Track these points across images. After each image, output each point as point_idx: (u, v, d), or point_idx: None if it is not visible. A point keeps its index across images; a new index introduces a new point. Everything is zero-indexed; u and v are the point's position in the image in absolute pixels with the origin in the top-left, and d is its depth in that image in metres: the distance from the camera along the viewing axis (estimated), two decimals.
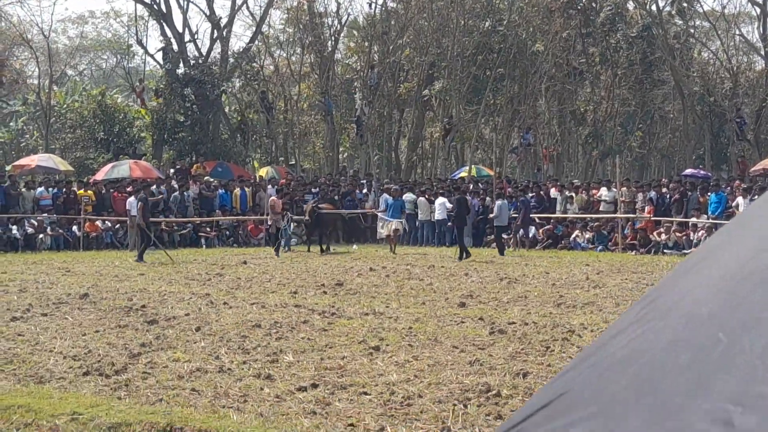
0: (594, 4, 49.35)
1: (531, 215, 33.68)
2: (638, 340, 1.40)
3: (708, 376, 1.20)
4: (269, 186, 38.91)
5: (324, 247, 32.05)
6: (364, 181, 42.26)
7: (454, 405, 9.03)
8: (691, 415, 1.16)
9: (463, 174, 44.79)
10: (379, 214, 34.59)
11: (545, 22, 48.31)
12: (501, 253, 29.77)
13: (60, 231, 33.47)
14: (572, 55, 49.67)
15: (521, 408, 1.41)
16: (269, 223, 30.36)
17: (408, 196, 36.32)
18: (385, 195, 34.27)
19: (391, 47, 50.03)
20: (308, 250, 31.59)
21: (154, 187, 36.50)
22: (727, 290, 1.35)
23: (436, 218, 35.72)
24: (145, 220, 27.30)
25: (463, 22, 46.76)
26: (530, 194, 36.58)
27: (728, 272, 1.39)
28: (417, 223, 36.85)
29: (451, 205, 33.41)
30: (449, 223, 28.57)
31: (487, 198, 35.81)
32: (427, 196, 36.95)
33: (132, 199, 32.15)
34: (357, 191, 40.30)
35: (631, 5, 52.64)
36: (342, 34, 55.71)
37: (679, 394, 1.21)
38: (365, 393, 9.58)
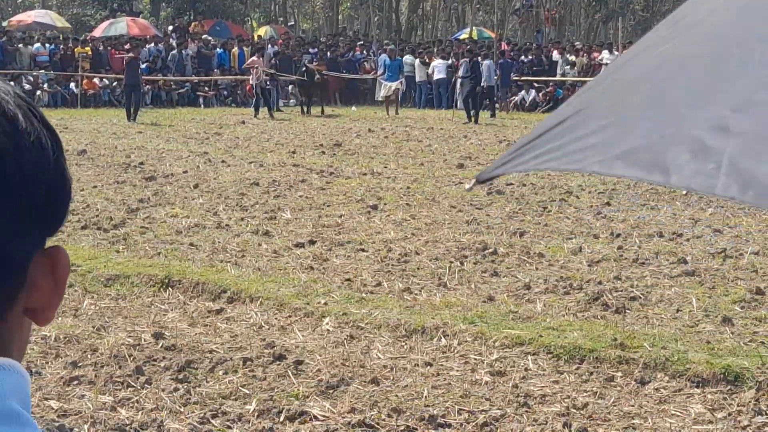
0: None
1: (516, 77, 33.52)
2: (656, 59, 1.40)
3: (715, 88, 1.21)
4: (269, 45, 38.45)
5: (321, 109, 31.30)
6: (362, 42, 41.73)
7: (451, 262, 9.09)
8: (691, 122, 1.17)
9: (464, 36, 44.19)
10: (379, 79, 34.17)
11: None
12: (492, 114, 29.76)
13: (57, 88, 33.21)
14: None
15: (538, 126, 1.42)
16: (252, 83, 29.82)
17: (407, 58, 35.90)
18: (383, 56, 33.79)
19: None
20: (303, 113, 30.84)
21: (152, 45, 36.07)
22: (746, 8, 1.35)
23: (434, 78, 35.31)
24: (133, 80, 26.79)
25: None
26: (530, 57, 36.23)
27: None
28: (416, 85, 36.49)
29: (449, 68, 33.19)
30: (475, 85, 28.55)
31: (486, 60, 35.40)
32: (421, 59, 36.39)
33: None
34: (357, 52, 39.81)
35: None
36: None
37: (685, 104, 1.22)
38: (362, 250, 9.64)
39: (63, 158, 0.95)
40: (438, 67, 34.72)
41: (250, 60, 31.00)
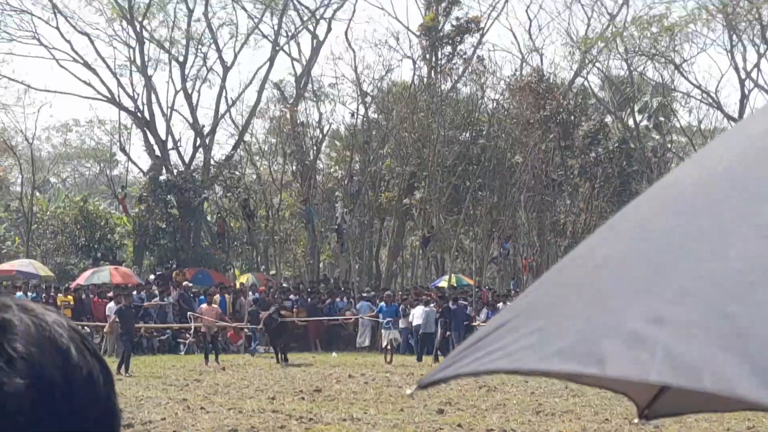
0: (573, 118, 50.10)
1: (464, 323, 33.48)
2: (595, 261, 1.50)
3: (650, 283, 1.31)
4: (250, 293, 38.87)
5: (282, 356, 29.28)
6: (343, 289, 42.40)
7: None
8: (627, 316, 1.27)
9: (443, 283, 44.90)
10: (365, 320, 34.60)
11: (524, 135, 48.96)
12: (418, 359, 30.22)
13: None
14: (551, 167, 50.25)
15: (476, 332, 1.53)
16: (202, 330, 30.22)
17: (383, 305, 36.49)
18: (363, 302, 34.37)
19: (372, 157, 50.57)
20: (277, 361, 29.16)
21: (135, 293, 36.38)
22: (679, 212, 1.48)
23: (414, 324, 35.59)
24: (129, 329, 26.06)
25: (443, 133, 47.38)
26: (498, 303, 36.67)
27: (690, 191, 1.51)
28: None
29: (430, 314, 33.67)
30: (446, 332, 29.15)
31: (468, 307, 35.90)
32: (404, 305, 36.88)
33: (111, 304, 31.70)
34: (338, 299, 40.30)
35: (609, 119, 53.55)
36: (324, 144, 56.36)
37: (621, 300, 1.32)
38: None
39: (114, 393, 0.97)
40: (417, 314, 35.12)
41: (201, 308, 31.61)
